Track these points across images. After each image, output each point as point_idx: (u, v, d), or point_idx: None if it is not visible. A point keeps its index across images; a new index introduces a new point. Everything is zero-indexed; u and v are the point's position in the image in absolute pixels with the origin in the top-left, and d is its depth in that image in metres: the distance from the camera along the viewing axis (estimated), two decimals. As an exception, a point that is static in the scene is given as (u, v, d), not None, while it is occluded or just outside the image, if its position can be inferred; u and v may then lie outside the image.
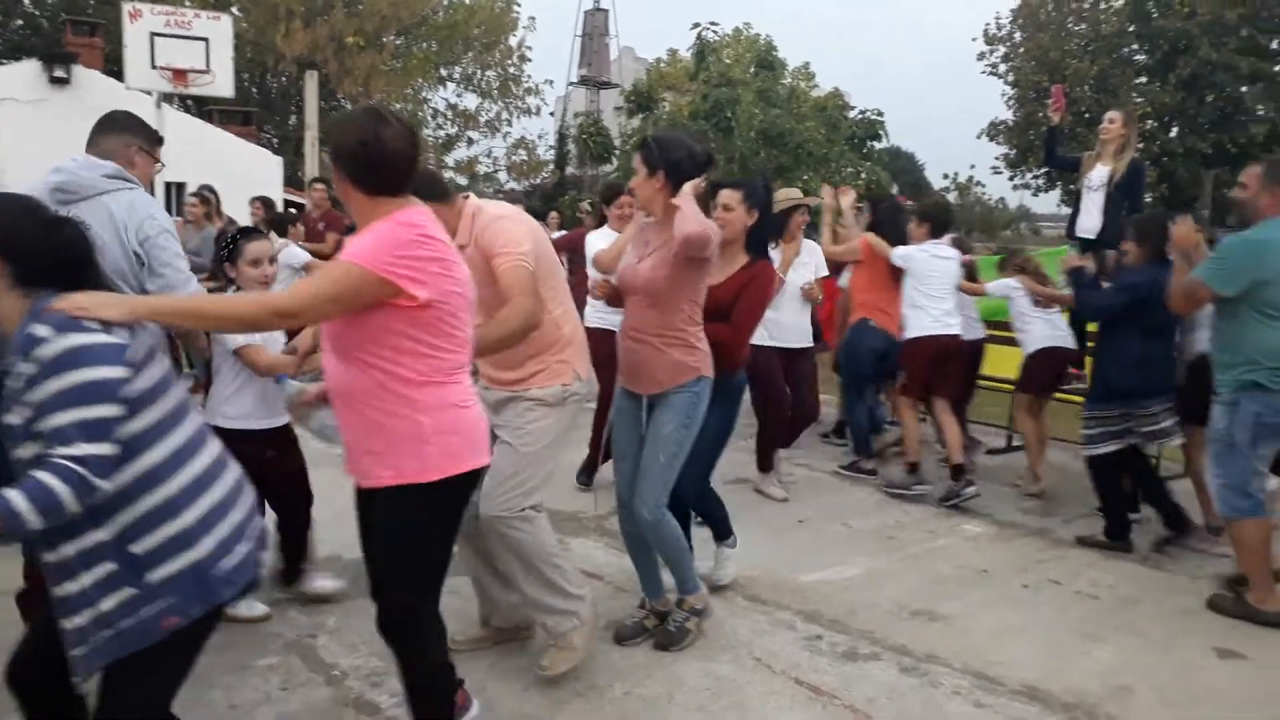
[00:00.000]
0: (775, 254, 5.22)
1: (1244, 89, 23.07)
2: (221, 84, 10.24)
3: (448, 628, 2.69)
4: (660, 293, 3.38)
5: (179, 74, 9.86)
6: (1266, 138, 22.68)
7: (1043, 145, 6.87)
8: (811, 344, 5.99)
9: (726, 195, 3.94)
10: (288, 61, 22.99)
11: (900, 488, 5.89)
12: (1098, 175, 6.21)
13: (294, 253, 7.55)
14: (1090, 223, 6.09)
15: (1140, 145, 6.26)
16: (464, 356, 2.54)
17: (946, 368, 5.78)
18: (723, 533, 4.29)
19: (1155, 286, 4.56)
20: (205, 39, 9.94)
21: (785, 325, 5.71)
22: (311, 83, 17.90)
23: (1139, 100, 21.66)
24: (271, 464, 3.63)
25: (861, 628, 3.92)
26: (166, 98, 13.02)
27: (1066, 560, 4.84)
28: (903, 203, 7.06)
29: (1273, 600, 4.10)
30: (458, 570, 3.09)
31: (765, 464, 5.88)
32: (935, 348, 5.68)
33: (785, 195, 5.79)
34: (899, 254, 5.84)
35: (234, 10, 23.23)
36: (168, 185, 13.58)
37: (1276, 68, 23.08)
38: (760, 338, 5.12)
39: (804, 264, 5.85)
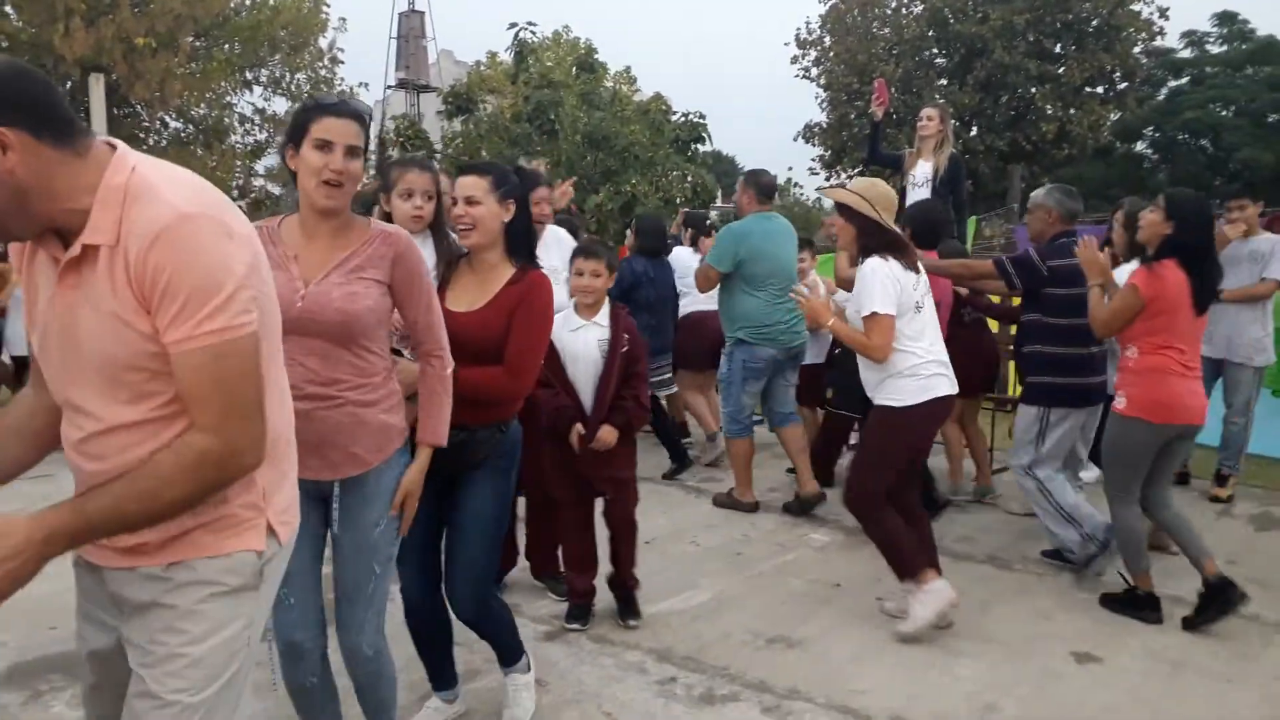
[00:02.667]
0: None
1: (1034, 90, 24.60)
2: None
3: None
4: (364, 329, 2.36)
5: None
6: (1056, 135, 24.27)
7: (867, 141, 6.85)
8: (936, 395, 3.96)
9: (468, 184, 2.85)
10: (70, 64, 21.08)
11: None
12: (921, 172, 6.23)
13: None
14: (917, 220, 6.06)
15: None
16: None
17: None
18: (511, 655, 3.18)
19: (638, 273, 6.30)
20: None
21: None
22: (97, 87, 16.37)
23: (940, 101, 22.71)
24: None
25: (716, 663, 3.63)
26: None
27: (916, 566, 4.72)
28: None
29: (748, 495, 5.66)
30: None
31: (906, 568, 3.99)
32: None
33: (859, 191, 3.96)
34: None
35: (6, 8, 21.13)
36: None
37: (1060, 70, 24.73)
38: (929, 388, 3.84)
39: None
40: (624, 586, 4.06)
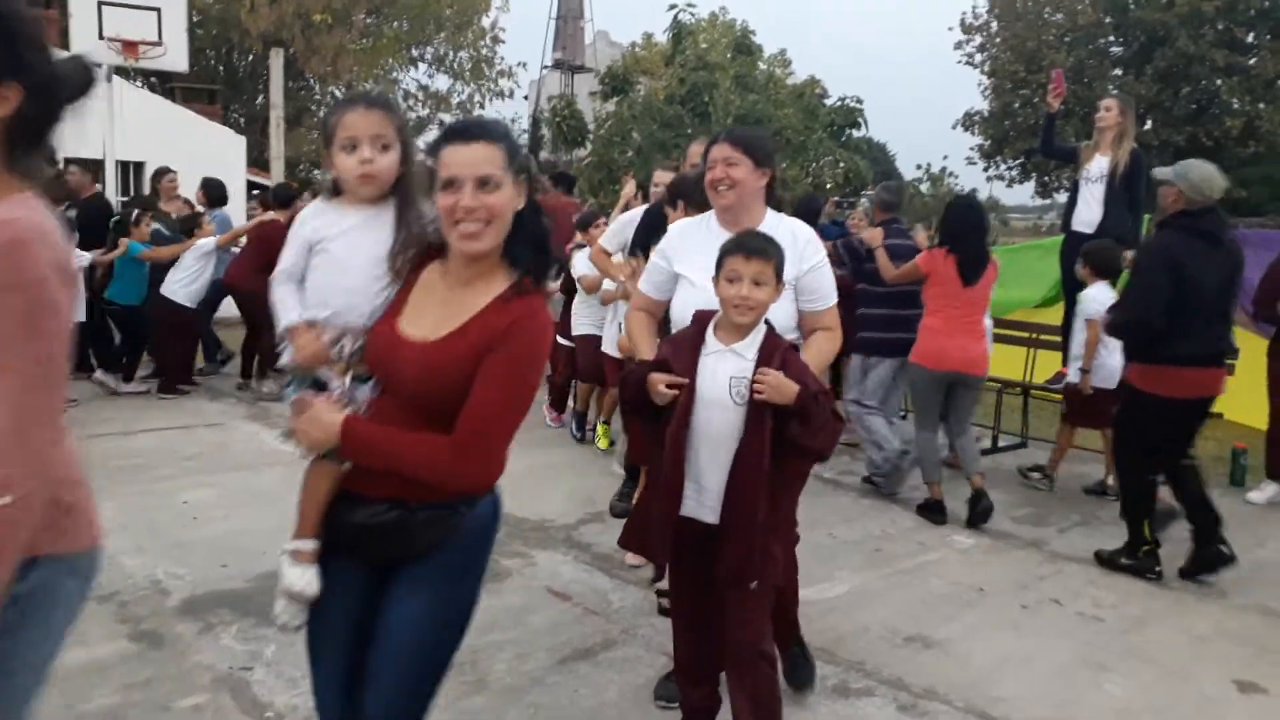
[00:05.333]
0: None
1: (1219, 82, 23.01)
2: (175, 57, 9.66)
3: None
4: None
5: (129, 45, 9.29)
6: (1242, 131, 22.66)
7: (1040, 133, 6.57)
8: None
9: (477, 156, 1.88)
10: (253, 39, 22.38)
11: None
12: (1097, 166, 5.94)
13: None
14: (1089, 215, 5.82)
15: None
16: None
17: None
18: None
19: None
20: (157, 9, 9.35)
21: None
22: (277, 61, 17.32)
23: (1114, 92, 21.55)
24: None
25: (851, 657, 3.60)
26: (124, 74, 12.45)
27: (1065, 576, 4.55)
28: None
29: None
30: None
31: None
32: None
33: None
34: None
35: (197, -15, 22.58)
36: (123, 164, 13.03)
37: (1252, 61, 23.05)
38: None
39: None
40: None
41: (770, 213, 3.08)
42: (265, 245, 7.18)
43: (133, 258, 7.37)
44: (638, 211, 5.20)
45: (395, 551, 1.97)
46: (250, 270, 7.25)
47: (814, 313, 3.01)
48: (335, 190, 2.15)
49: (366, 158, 2.04)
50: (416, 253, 2.04)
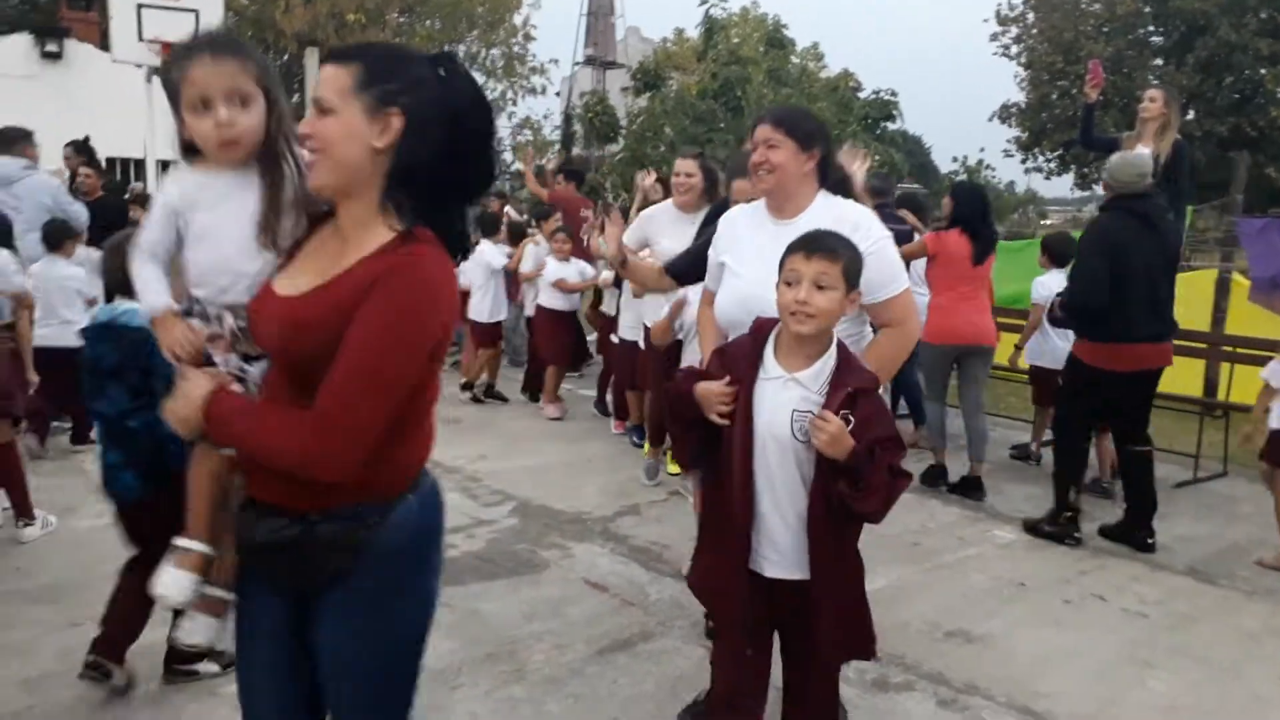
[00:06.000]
0: None
1: (1263, 71, 22.57)
2: (212, 58, 9.79)
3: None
4: None
5: (168, 47, 9.44)
6: (1287, 121, 22.22)
7: (1079, 124, 6.47)
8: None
9: (323, 78, 1.60)
10: (288, 39, 22.63)
11: None
12: (1138, 157, 5.83)
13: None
14: (1130, 207, 5.70)
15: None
16: None
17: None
18: None
19: None
20: (195, 10, 9.47)
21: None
22: (312, 60, 17.48)
23: (1154, 82, 21.20)
24: None
25: (892, 651, 3.56)
26: (159, 71, 12.62)
27: (1108, 571, 4.48)
28: None
29: None
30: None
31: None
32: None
33: None
34: None
35: (234, -14, 22.85)
36: (164, 164, 13.20)
37: (1297, 50, 22.60)
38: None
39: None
40: None
41: (822, 195, 2.76)
42: None
43: None
44: (659, 208, 5.17)
45: (300, 577, 1.68)
46: None
47: (874, 304, 2.62)
48: (188, 150, 1.78)
49: (224, 119, 1.69)
50: (310, 220, 1.77)
